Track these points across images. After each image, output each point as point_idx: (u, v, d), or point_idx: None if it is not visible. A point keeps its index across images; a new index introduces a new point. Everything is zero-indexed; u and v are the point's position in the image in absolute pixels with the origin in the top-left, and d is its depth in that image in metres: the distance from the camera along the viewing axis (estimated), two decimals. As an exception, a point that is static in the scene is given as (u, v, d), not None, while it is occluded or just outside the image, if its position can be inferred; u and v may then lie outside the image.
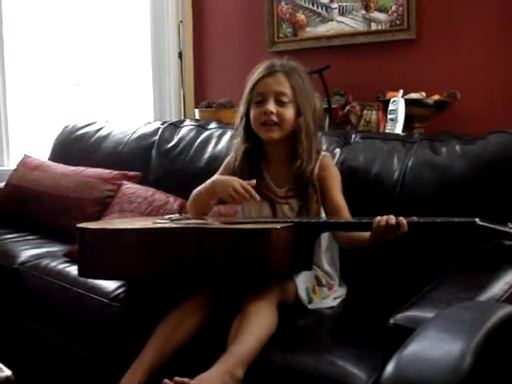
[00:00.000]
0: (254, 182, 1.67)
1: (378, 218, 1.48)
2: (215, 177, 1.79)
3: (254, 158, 1.80)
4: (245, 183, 1.64)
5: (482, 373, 0.79)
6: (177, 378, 1.32)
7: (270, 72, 1.73)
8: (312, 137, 1.77)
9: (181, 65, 3.41)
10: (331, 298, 1.76)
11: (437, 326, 0.94)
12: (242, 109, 1.80)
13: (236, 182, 1.65)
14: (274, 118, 1.71)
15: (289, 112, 1.73)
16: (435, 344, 0.85)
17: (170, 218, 1.70)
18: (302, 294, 1.67)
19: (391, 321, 1.22)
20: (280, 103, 1.71)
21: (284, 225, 1.53)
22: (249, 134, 1.80)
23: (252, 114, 1.76)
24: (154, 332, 1.56)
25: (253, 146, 1.80)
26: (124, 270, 1.61)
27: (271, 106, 1.70)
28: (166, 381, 1.31)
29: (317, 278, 1.76)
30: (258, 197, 1.64)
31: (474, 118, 2.51)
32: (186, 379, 1.32)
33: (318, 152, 1.79)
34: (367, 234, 1.54)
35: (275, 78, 1.73)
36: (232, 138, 2.09)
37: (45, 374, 2.04)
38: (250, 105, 1.77)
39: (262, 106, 1.72)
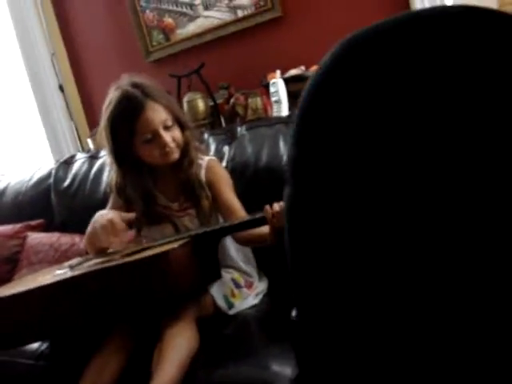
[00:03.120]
0: (133, 215, 1.66)
1: (267, 206, 1.46)
2: (97, 213, 1.70)
3: (147, 190, 1.75)
4: (118, 219, 1.60)
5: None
6: None
7: (141, 106, 1.63)
8: (194, 141, 1.77)
9: (64, 98, 3.32)
10: (252, 295, 1.76)
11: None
12: (119, 156, 1.72)
13: (106, 220, 1.60)
14: (173, 145, 1.67)
15: (177, 131, 1.70)
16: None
17: (69, 265, 1.66)
18: (221, 303, 1.66)
19: (293, 313, 1.22)
20: (167, 128, 1.67)
21: (181, 242, 1.51)
22: (139, 171, 1.74)
23: (145, 152, 1.68)
24: (80, 381, 1.52)
25: (146, 180, 1.75)
26: (35, 333, 1.56)
27: (167, 137, 1.65)
28: None
29: (234, 281, 1.75)
30: (123, 232, 1.63)
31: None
32: None
33: (199, 151, 1.78)
34: (266, 228, 1.53)
35: (152, 110, 1.64)
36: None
37: None
38: (130, 145, 1.68)
39: (154, 141, 1.66)
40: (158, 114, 1.65)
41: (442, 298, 0.61)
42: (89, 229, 1.66)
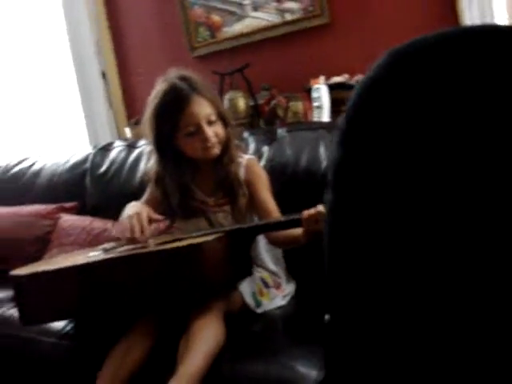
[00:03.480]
0: (160, 217, 1.70)
1: (306, 211, 1.49)
2: (129, 204, 1.74)
3: (185, 183, 1.76)
4: (144, 221, 1.62)
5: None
6: None
7: (187, 99, 1.66)
8: (235, 138, 1.79)
9: (106, 85, 3.35)
10: (280, 296, 1.76)
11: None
12: (161, 147, 1.74)
13: (135, 219, 1.62)
14: (214, 140, 1.69)
15: (220, 127, 1.72)
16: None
17: (103, 248, 1.67)
18: (249, 300, 1.67)
19: (326, 316, 1.22)
20: (210, 123, 1.69)
21: (216, 236, 1.52)
22: (179, 163, 1.75)
23: (187, 145, 1.71)
24: (103, 366, 1.53)
25: (185, 172, 1.76)
26: (63, 311, 1.59)
27: (210, 132, 1.67)
28: None
29: (262, 280, 1.75)
30: (145, 237, 1.62)
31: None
32: None
33: (239, 149, 1.79)
34: (300, 230, 1.54)
35: (197, 104, 1.67)
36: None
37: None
38: (173, 137, 1.70)
39: (197, 135, 1.67)
40: (202, 108, 1.67)
41: (490, 306, 0.61)
42: (120, 218, 1.70)
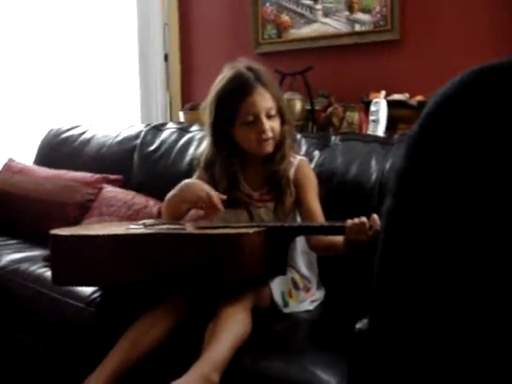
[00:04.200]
0: (224, 196, 1.68)
1: (350, 220, 1.48)
2: (186, 180, 1.76)
3: (233, 172, 1.77)
4: (213, 194, 1.65)
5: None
6: None
7: (250, 88, 1.68)
8: (290, 138, 1.79)
9: (166, 67, 3.39)
10: (308, 301, 1.75)
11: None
12: (217, 132, 1.76)
13: (204, 191, 1.65)
14: (270, 134, 1.70)
15: (277, 123, 1.73)
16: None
17: (143, 223, 1.69)
18: (278, 299, 1.67)
19: (358, 326, 1.21)
20: (269, 117, 1.70)
21: (257, 229, 1.52)
22: (232, 152, 1.76)
23: (242, 135, 1.72)
24: (122, 336, 1.55)
25: (235, 162, 1.77)
26: (95, 277, 1.60)
27: (267, 125, 1.69)
28: None
29: (293, 281, 1.75)
30: (221, 208, 1.66)
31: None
32: None
33: (292, 149, 1.80)
34: (341, 238, 1.53)
35: (260, 95, 1.69)
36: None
37: (20, 379, 2.02)
38: (230, 124, 1.72)
39: (254, 126, 1.69)
40: (264, 100, 1.69)
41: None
42: (175, 192, 1.73)
